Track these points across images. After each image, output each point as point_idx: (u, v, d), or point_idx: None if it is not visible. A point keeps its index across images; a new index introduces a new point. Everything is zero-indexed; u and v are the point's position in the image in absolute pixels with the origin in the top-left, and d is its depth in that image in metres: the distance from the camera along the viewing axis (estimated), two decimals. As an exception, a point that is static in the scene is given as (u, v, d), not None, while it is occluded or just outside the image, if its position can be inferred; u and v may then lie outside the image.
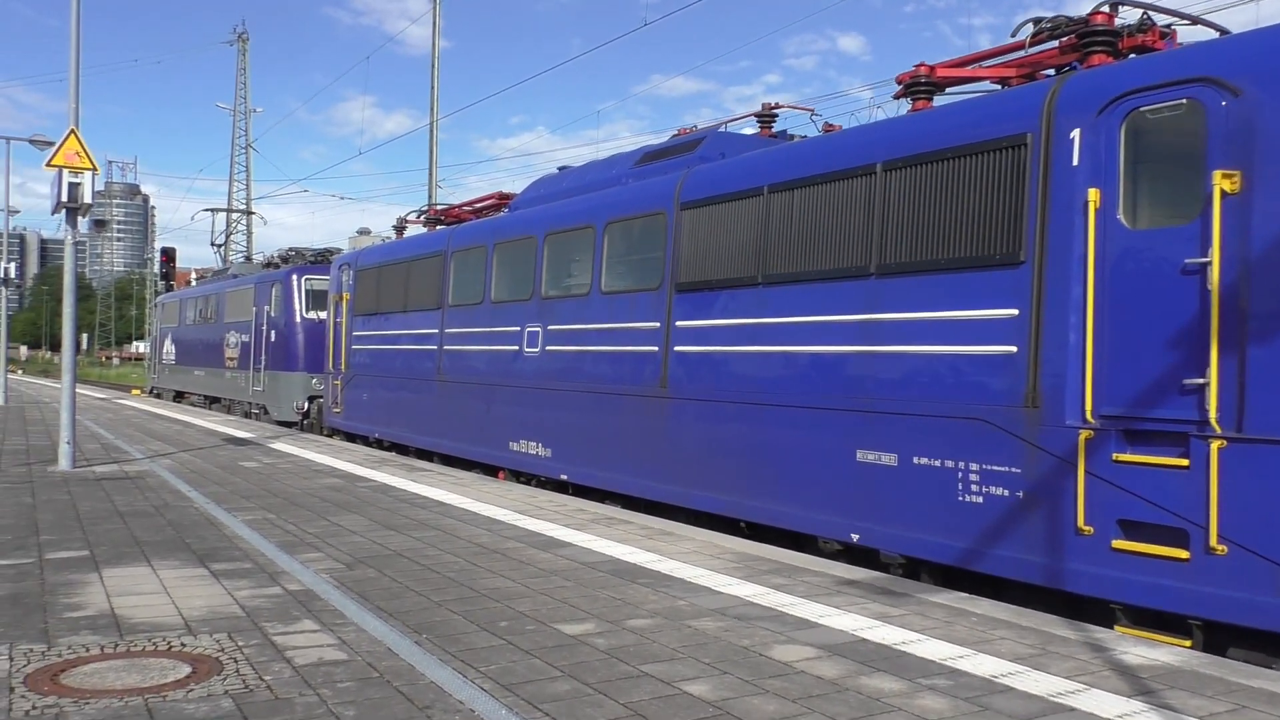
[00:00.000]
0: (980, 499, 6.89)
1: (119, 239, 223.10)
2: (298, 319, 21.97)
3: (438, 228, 16.97)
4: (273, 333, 22.65)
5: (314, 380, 21.56)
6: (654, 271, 10.49)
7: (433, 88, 27.38)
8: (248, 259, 29.96)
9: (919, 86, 8.28)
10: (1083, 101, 6.50)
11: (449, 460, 14.94)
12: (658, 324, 10.18)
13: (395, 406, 16.15)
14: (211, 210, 33.62)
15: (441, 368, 14.58)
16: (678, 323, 9.91)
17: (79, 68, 13.02)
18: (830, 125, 11.04)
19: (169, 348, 32.22)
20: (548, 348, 12.01)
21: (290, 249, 24.91)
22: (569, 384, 11.54)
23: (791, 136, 11.17)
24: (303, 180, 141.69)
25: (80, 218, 12.93)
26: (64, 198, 12.34)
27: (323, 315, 21.66)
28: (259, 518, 9.32)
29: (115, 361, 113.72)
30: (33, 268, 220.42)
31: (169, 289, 35.03)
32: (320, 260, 23.71)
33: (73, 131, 12.50)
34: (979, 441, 6.89)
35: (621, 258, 11.08)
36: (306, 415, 21.61)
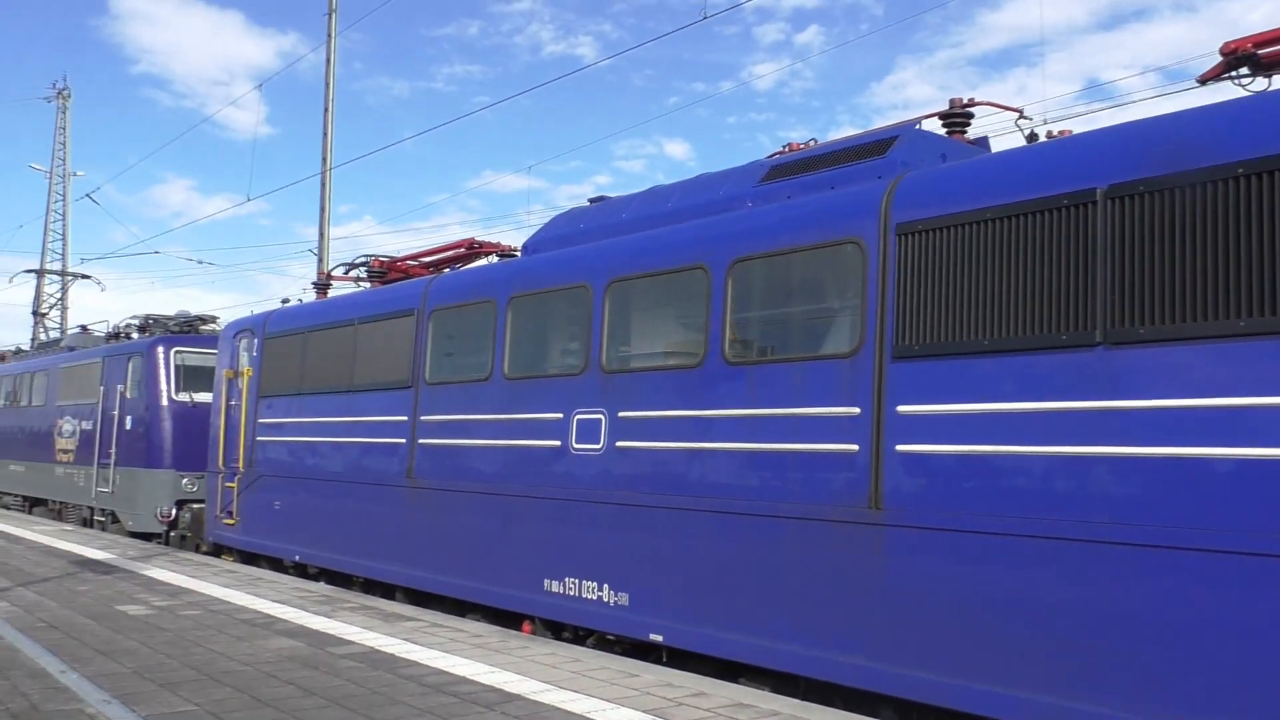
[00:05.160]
0: None
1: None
2: (164, 401, 17.24)
3: (383, 283, 13.00)
4: (129, 418, 17.77)
5: (185, 480, 16.83)
6: (837, 330, 6.99)
7: (326, 134, 23.28)
8: (84, 329, 24.70)
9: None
10: None
11: (417, 597, 10.80)
12: (855, 409, 6.64)
13: (332, 520, 11.87)
14: (36, 271, 28.00)
15: (414, 469, 10.53)
16: (899, 408, 6.40)
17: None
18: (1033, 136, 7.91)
19: (-26, 436, 26.30)
20: (618, 443, 8.27)
21: (149, 316, 20.05)
22: (663, 497, 7.82)
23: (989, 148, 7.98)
24: (117, 253, 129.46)
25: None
26: None
27: (200, 397, 17.05)
28: (227, 748, 5.18)
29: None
30: None
31: (-30, 367, 28.98)
32: (188, 330, 19.06)
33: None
34: None
35: (760, 311, 7.54)
36: (174, 525, 16.78)
